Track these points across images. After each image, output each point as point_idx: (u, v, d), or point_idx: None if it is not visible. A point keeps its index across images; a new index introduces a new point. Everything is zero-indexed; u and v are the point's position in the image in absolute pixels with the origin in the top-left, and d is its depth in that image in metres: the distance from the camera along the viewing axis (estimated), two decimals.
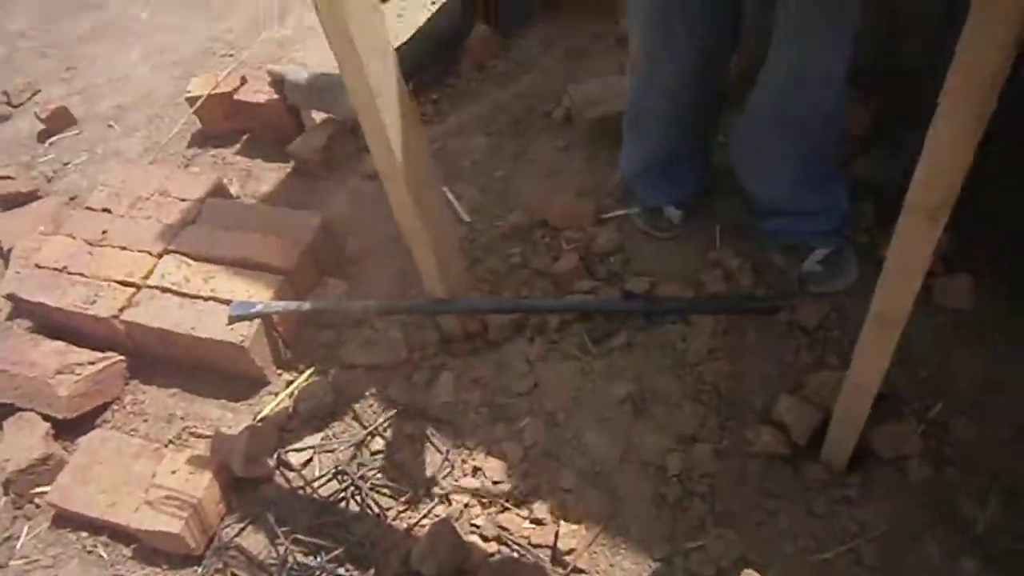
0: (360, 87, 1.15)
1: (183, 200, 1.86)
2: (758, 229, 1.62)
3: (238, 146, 2.21)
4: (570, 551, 1.28)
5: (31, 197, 2.13)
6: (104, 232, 1.82)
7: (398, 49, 2.14)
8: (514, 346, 1.56)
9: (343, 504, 1.42)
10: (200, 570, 1.39)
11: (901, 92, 1.67)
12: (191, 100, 2.18)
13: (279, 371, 1.64)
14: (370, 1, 1.09)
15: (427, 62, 2.20)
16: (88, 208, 1.89)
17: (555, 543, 1.30)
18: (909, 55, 1.67)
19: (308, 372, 1.61)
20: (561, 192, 1.82)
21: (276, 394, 1.59)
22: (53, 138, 2.40)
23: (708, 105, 1.61)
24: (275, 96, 2.09)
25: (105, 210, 1.88)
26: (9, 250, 1.96)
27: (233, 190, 2.08)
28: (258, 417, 1.54)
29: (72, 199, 2.17)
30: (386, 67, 1.17)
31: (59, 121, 2.41)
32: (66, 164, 2.31)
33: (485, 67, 2.25)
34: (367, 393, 1.54)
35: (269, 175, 2.11)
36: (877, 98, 1.74)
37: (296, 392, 1.57)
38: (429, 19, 2.18)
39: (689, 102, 1.56)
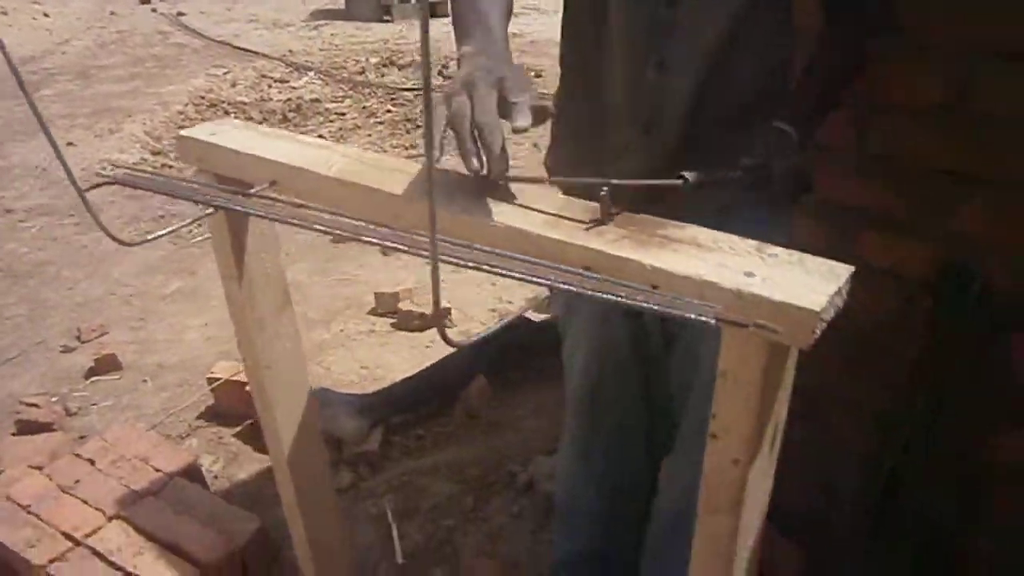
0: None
1: (157, 471, 2.02)
2: None
3: (239, 429, 2.40)
4: None
5: (46, 428, 2.35)
6: (77, 481, 1.98)
7: (397, 385, 2.39)
8: None
9: None
10: None
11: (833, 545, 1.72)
12: (211, 379, 2.43)
13: None
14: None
15: (424, 401, 2.40)
16: (76, 455, 2.08)
17: None
18: (838, 514, 1.74)
19: None
20: (496, 560, 1.88)
21: None
22: (95, 378, 2.68)
23: (639, 506, 1.66)
24: None
25: (89, 460, 2.05)
26: (1, 471, 2.14)
27: (215, 469, 2.24)
28: None
29: (80, 438, 2.37)
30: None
31: (106, 365, 2.70)
32: (93, 405, 2.55)
33: (476, 416, 2.43)
34: None
35: (252, 465, 2.27)
36: (808, 547, 1.78)
37: None
38: (436, 363, 2.42)
39: (620, 500, 1.65)
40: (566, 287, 0.68)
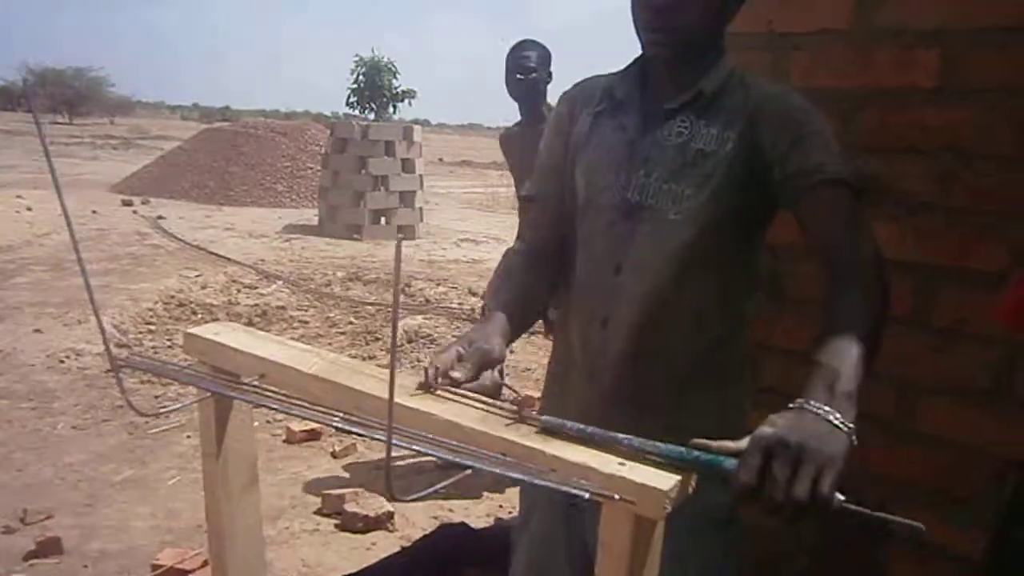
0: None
1: None
2: None
3: None
4: None
5: None
6: None
7: None
8: None
9: None
10: None
11: None
12: (155, 566, 2.50)
13: None
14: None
15: None
16: None
17: None
18: None
19: None
20: None
21: None
22: (34, 560, 2.71)
23: None
24: None
25: None
26: None
27: None
28: None
29: None
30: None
31: (48, 549, 2.74)
32: None
33: None
34: None
35: None
36: None
37: None
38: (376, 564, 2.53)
39: None
40: (487, 468, 0.91)
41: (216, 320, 6.07)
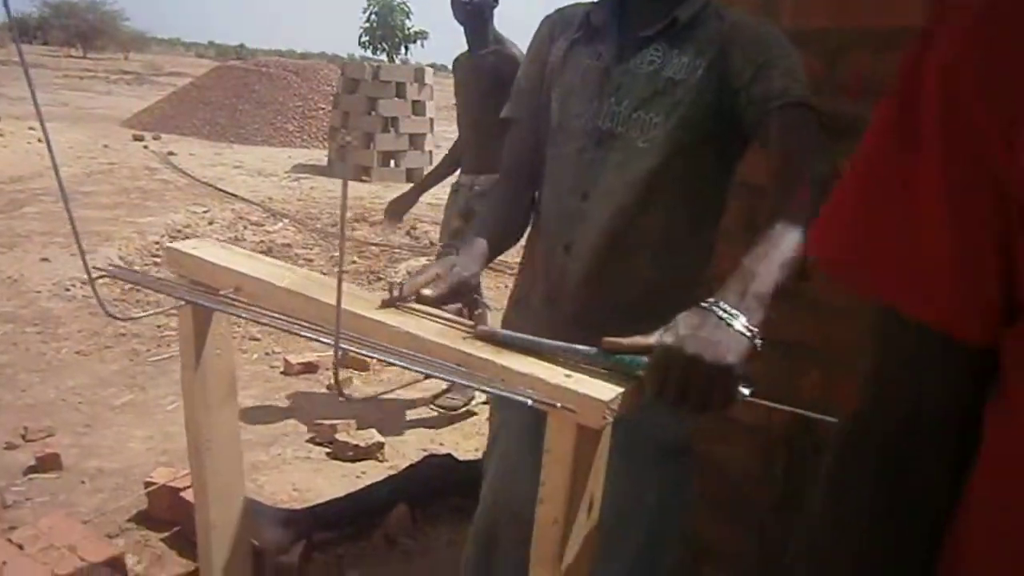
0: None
1: (83, 560, 2.14)
2: None
3: (167, 534, 2.53)
4: None
5: None
6: (3, 563, 2.09)
7: (323, 505, 2.55)
8: None
9: None
10: None
11: None
12: (148, 483, 2.58)
13: None
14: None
15: (347, 522, 2.56)
16: (7, 539, 2.20)
17: None
18: None
19: None
20: None
21: None
22: (34, 475, 2.80)
23: None
24: None
25: (18, 545, 2.17)
26: None
27: (138, 569, 2.35)
28: None
29: (10, 529, 2.48)
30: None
31: (47, 464, 2.83)
32: (28, 500, 2.66)
33: (394, 542, 2.58)
34: None
35: (174, 568, 2.38)
36: None
37: None
38: (362, 488, 2.60)
39: None
40: (439, 375, 0.95)
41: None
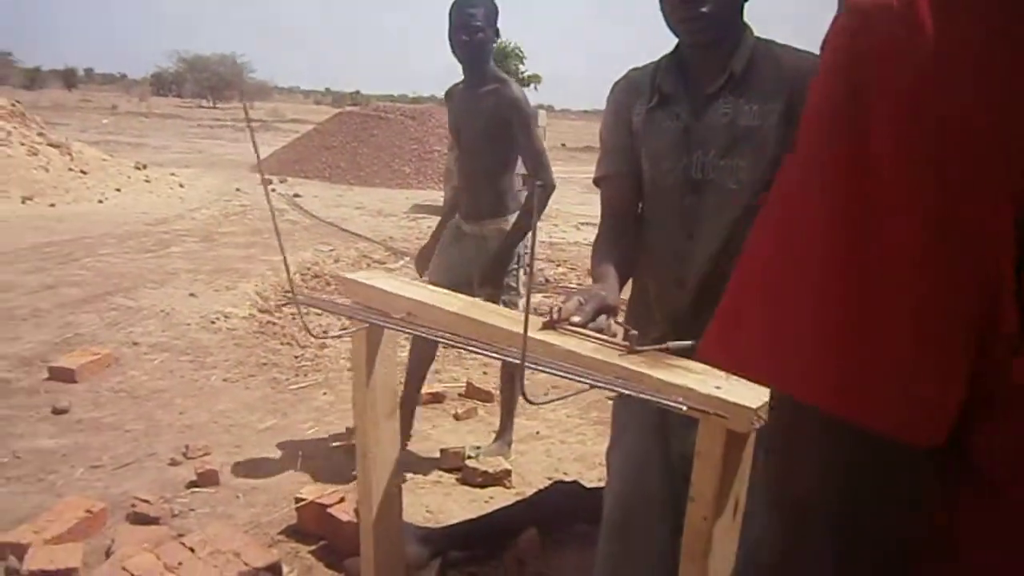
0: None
1: (246, 564, 2.36)
2: None
3: (315, 547, 2.73)
4: None
5: (153, 521, 2.73)
6: (180, 563, 2.33)
7: (457, 525, 2.70)
8: None
9: None
10: None
11: None
12: (298, 499, 2.79)
13: None
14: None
15: (480, 543, 2.70)
16: (181, 542, 2.44)
17: None
18: None
19: None
20: None
21: None
22: (195, 489, 3.07)
23: None
24: (355, 520, 2.65)
25: (190, 548, 2.41)
26: (112, 550, 2.51)
27: None
28: None
29: (179, 536, 2.73)
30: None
31: (206, 479, 3.09)
32: (191, 510, 2.92)
33: (524, 563, 2.70)
34: None
35: None
36: None
37: None
38: (494, 511, 2.74)
39: None
40: (603, 385, 1.08)
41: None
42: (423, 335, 1.31)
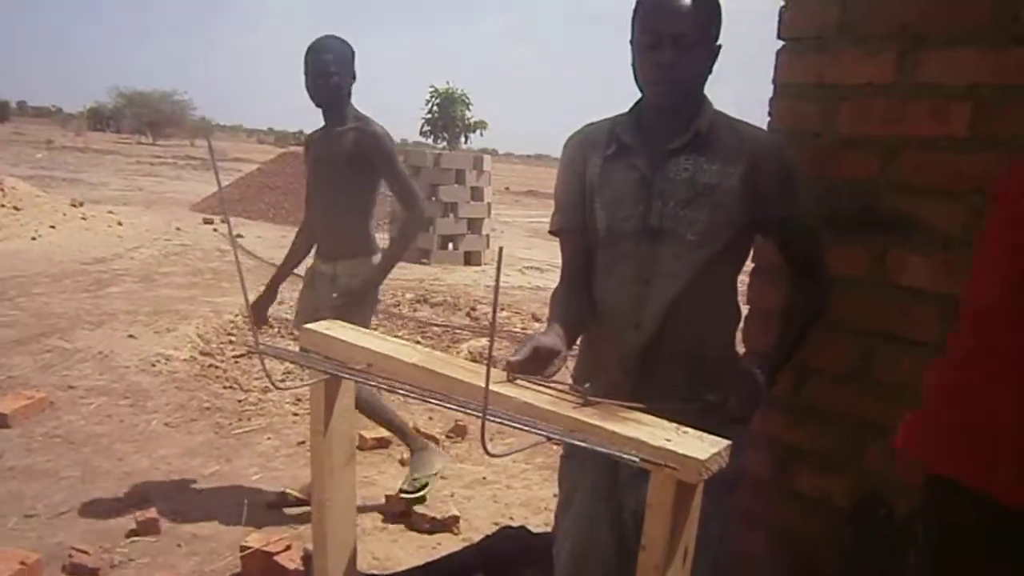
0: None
1: None
2: None
3: None
4: None
5: (93, 572, 2.66)
6: None
7: (403, 573, 2.70)
8: None
9: None
10: None
11: None
12: (243, 547, 2.76)
13: None
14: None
15: None
16: None
17: None
18: None
19: None
20: None
21: None
22: (135, 538, 3.00)
23: None
24: (302, 568, 2.63)
25: None
26: None
27: None
28: None
29: None
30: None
31: (147, 528, 3.03)
32: (131, 560, 2.86)
33: None
34: None
35: None
36: None
37: None
38: (442, 557, 2.74)
39: None
40: (558, 436, 1.13)
41: (292, 335, 6.43)
42: (382, 387, 1.34)
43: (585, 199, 1.74)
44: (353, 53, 3.19)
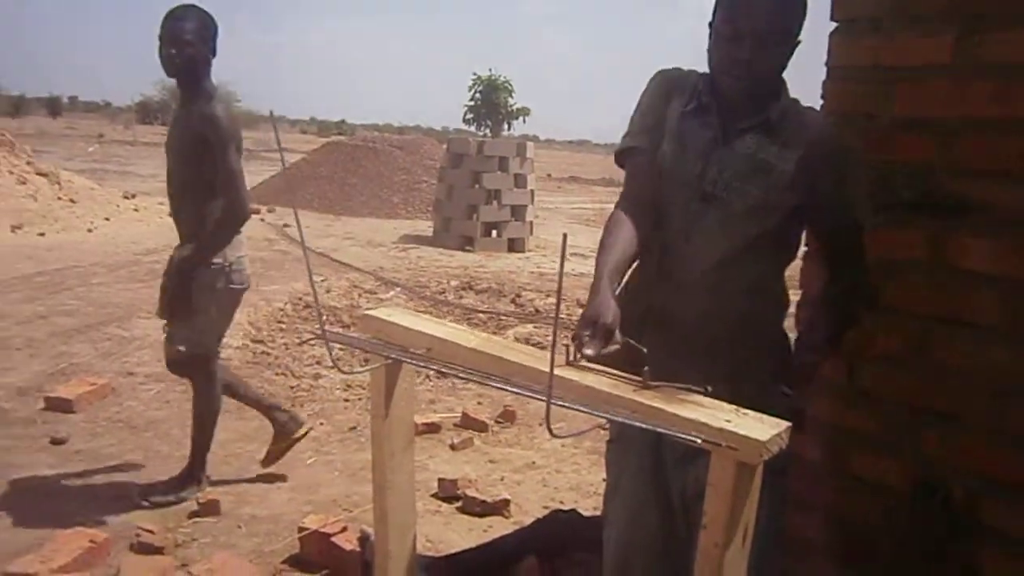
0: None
1: None
2: None
3: None
4: None
5: (157, 551, 2.75)
6: None
7: (458, 554, 2.75)
8: None
9: None
10: None
11: None
12: (301, 528, 2.83)
13: None
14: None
15: (479, 571, 2.74)
16: (188, 572, 2.47)
17: None
18: None
19: None
20: None
21: None
22: (197, 519, 3.10)
23: None
24: (358, 548, 2.69)
25: None
26: None
27: None
28: None
29: (183, 565, 2.76)
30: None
31: (208, 509, 3.13)
32: (194, 540, 2.95)
33: None
34: None
35: None
36: None
37: None
38: (493, 539, 2.79)
39: None
40: (621, 419, 1.15)
41: (340, 322, 6.53)
42: (444, 371, 1.38)
43: (662, 127, 1.73)
44: (216, 27, 3.00)
